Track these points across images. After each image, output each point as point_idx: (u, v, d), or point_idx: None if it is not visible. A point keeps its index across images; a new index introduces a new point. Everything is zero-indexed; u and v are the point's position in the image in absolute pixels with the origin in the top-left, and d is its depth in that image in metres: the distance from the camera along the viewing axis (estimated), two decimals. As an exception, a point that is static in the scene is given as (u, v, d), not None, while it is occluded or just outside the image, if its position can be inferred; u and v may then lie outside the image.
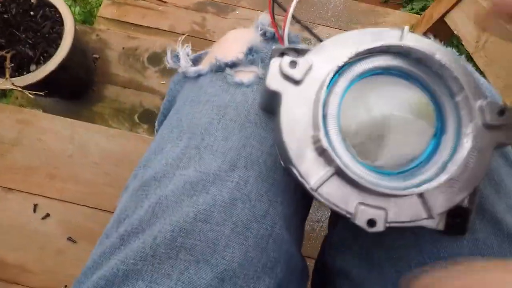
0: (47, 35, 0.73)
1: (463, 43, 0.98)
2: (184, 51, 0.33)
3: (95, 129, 0.72)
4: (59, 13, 0.73)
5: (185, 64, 0.32)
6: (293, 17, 0.30)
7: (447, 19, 1.12)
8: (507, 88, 0.75)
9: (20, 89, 0.64)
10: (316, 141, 0.20)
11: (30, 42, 0.72)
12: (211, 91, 0.28)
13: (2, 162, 0.70)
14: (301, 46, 0.23)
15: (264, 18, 0.31)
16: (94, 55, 0.95)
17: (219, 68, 0.29)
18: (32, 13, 0.73)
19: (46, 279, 0.66)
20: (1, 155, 0.70)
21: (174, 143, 0.27)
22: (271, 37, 0.31)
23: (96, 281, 0.22)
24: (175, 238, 0.22)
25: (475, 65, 0.91)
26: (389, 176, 0.21)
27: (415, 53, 0.21)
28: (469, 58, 0.96)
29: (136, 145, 0.72)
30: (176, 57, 0.33)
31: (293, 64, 0.21)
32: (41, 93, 0.66)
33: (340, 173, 0.19)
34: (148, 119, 0.92)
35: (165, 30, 1.15)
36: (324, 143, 0.19)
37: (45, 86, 0.71)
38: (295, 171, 0.20)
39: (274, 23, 0.29)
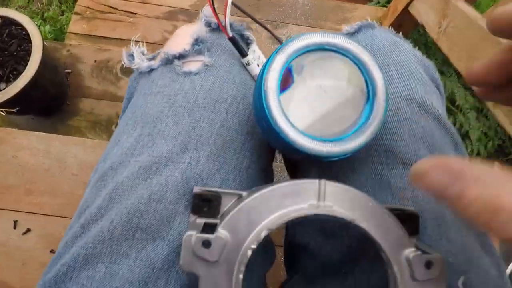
0: (15, 53, 0.73)
1: (427, 30, 1.02)
2: (138, 50, 0.34)
3: (72, 141, 0.73)
4: (26, 30, 0.74)
5: (139, 61, 0.33)
6: (234, 4, 0.32)
7: (411, 9, 1.16)
8: (468, 67, 0.79)
9: (-10, 107, 0.64)
10: None
11: (-2, 61, 0.72)
12: (161, 82, 0.30)
13: (-22, 181, 0.69)
14: (226, 189, 0.23)
15: (208, 10, 0.32)
16: (66, 70, 0.95)
17: (168, 61, 0.30)
18: (-2, 32, 0.73)
19: (30, 295, 0.66)
20: (-24, 175, 0.70)
21: (128, 133, 0.28)
22: (217, 27, 0.33)
23: (58, 268, 0.23)
24: (130, 219, 0.23)
25: (439, 50, 0.95)
26: (331, 142, 0.22)
27: (334, 219, 0.20)
28: (434, 44, 1.00)
29: (112, 153, 0.73)
30: (131, 56, 0.34)
31: (206, 243, 0.19)
32: (13, 109, 0.67)
33: None
34: (126, 128, 0.93)
35: (136, 41, 1.15)
36: None
37: (17, 103, 0.71)
38: None
39: (215, 13, 0.31)
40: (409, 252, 0.20)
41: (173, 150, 0.26)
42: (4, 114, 0.66)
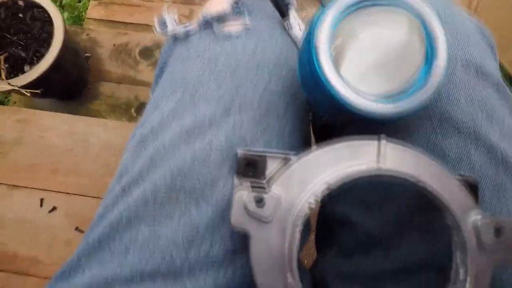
0: (37, 36, 0.74)
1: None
2: (171, 17, 0.33)
3: (94, 123, 0.74)
4: (47, 13, 0.75)
5: (172, 27, 0.31)
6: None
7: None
8: (502, 46, 0.76)
9: (17, 88, 0.66)
10: (291, 286, 0.18)
11: (22, 43, 0.73)
12: (201, 46, 0.29)
13: (5, 161, 0.72)
14: (271, 150, 0.22)
15: None
16: (86, 54, 0.96)
17: (207, 24, 0.29)
18: (21, 15, 0.74)
19: (57, 269, 0.68)
20: (4, 155, 0.72)
21: (168, 98, 0.27)
22: None
23: (101, 230, 0.24)
24: (174, 181, 0.23)
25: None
26: (386, 101, 0.20)
27: (395, 178, 0.19)
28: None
29: (133, 134, 0.74)
30: (164, 24, 0.33)
31: (259, 201, 0.18)
32: (37, 91, 0.68)
33: None
34: (144, 112, 0.94)
35: (153, 26, 1.15)
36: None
37: (40, 86, 0.72)
38: None
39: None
40: (477, 218, 0.19)
41: (216, 113, 0.25)
42: (28, 95, 0.67)
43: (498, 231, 0.18)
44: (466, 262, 0.18)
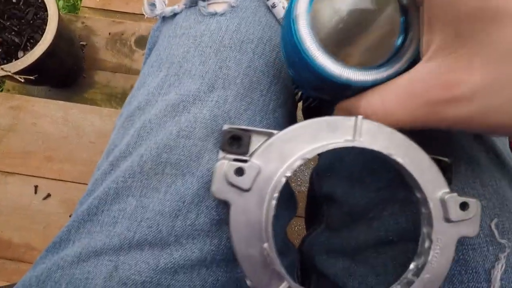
0: (31, 22, 0.74)
1: None
2: None
3: (89, 110, 0.74)
4: (42, -1, 0.74)
5: (161, 7, 0.33)
6: None
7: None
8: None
9: (11, 74, 0.65)
10: (266, 253, 0.19)
11: (15, 29, 0.73)
12: (186, 24, 0.29)
13: None
14: (255, 128, 0.22)
15: None
16: (81, 43, 0.96)
17: (193, 2, 0.30)
18: (14, 0, 0.74)
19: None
20: (-2, 142, 0.72)
21: (154, 75, 0.28)
22: None
23: (90, 202, 0.24)
24: (160, 154, 0.24)
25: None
26: (375, 69, 0.21)
27: (369, 152, 0.20)
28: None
29: (128, 121, 0.74)
30: (153, 5, 0.34)
31: (239, 171, 0.19)
32: (31, 77, 0.68)
33: None
34: (140, 101, 0.94)
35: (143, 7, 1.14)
36: (272, 254, 0.18)
37: (35, 72, 0.72)
38: (248, 283, 0.19)
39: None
40: (444, 193, 0.19)
41: (201, 89, 0.26)
42: (22, 81, 0.67)
43: (463, 205, 0.19)
44: (431, 234, 0.19)
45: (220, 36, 0.28)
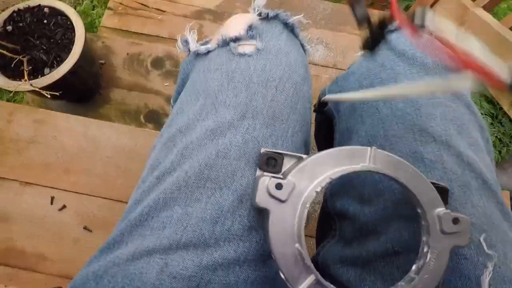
0: (59, 41, 0.78)
1: (445, 37, 1.06)
2: (193, 35, 0.39)
3: (107, 126, 0.78)
4: (70, 21, 0.79)
5: (194, 45, 0.37)
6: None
7: (429, 17, 1.19)
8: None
9: (38, 89, 0.69)
10: (298, 251, 0.22)
11: (44, 47, 0.77)
12: (219, 61, 0.34)
13: (20, 158, 0.74)
14: (288, 152, 0.27)
15: (259, 1, 0.37)
16: (100, 61, 1.01)
17: (225, 43, 0.35)
18: (45, 21, 0.79)
19: (64, 267, 0.70)
20: (18, 152, 0.75)
21: (192, 103, 0.32)
22: (265, 17, 0.37)
23: (141, 210, 0.27)
24: (202, 171, 0.27)
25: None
26: None
27: (377, 175, 0.24)
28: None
29: (145, 139, 0.77)
30: (185, 42, 0.38)
31: (279, 186, 0.23)
32: (56, 93, 0.72)
33: (319, 283, 0.22)
34: (153, 119, 0.98)
35: (164, 37, 1.21)
36: (303, 252, 0.22)
37: (57, 88, 0.76)
38: (282, 277, 0.22)
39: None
40: (440, 210, 0.24)
41: (234, 117, 0.30)
42: (48, 96, 0.71)
43: (455, 220, 0.23)
44: (429, 242, 0.23)
45: (249, 74, 0.32)
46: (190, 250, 0.25)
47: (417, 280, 0.22)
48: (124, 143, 0.78)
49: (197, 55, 0.37)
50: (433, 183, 0.26)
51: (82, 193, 0.74)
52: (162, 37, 1.21)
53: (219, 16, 1.28)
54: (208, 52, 0.36)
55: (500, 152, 1.18)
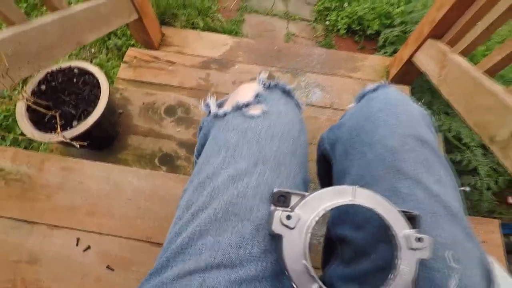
0: (86, 97, 0.89)
1: (429, 78, 1.16)
2: (213, 100, 0.48)
3: (128, 171, 0.85)
4: (97, 79, 0.90)
5: (214, 108, 0.47)
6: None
7: (414, 60, 1.32)
8: (467, 111, 0.90)
9: (69, 140, 0.78)
10: (305, 266, 0.30)
11: (73, 103, 0.87)
12: (235, 122, 0.42)
13: (49, 203, 0.81)
14: (294, 191, 0.35)
15: (263, 75, 0.47)
16: (119, 111, 1.11)
17: (238, 108, 0.44)
18: (75, 80, 0.90)
19: (88, 305, 0.74)
20: (48, 197, 0.82)
21: (216, 156, 0.40)
22: (268, 87, 0.47)
23: (181, 240, 0.34)
24: (227, 208, 0.35)
25: (441, 95, 1.08)
26: None
27: (362, 207, 0.32)
28: (436, 89, 1.13)
29: (163, 182, 0.85)
30: (207, 105, 0.48)
31: (288, 217, 0.31)
32: (84, 143, 0.80)
33: None
34: (167, 161, 1.06)
35: (175, 86, 1.33)
36: (309, 266, 0.29)
37: (83, 138, 0.85)
38: (294, 286, 0.29)
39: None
40: (407, 231, 0.31)
41: (249, 165, 0.38)
42: (78, 146, 0.79)
43: (419, 239, 0.31)
44: (400, 256, 0.31)
45: (258, 132, 0.41)
46: (221, 269, 0.32)
47: (393, 285, 0.30)
48: (143, 185, 0.85)
49: (216, 116, 0.46)
50: (406, 211, 0.33)
51: (105, 234, 0.80)
52: (173, 85, 1.32)
53: (224, 65, 1.41)
54: (226, 114, 0.45)
55: (496, 181, 1.24)
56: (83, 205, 0.82)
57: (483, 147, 1.27)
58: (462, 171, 1.27)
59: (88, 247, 0.79)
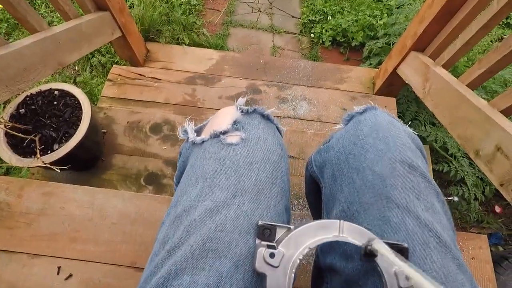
0: (67, 119, 0.87)
1: (414, 90, 1.18)
2: (191, 126, 0.47)
3: (112, 194, 0.83)
4: (78, 100, 0.88)
5: (192, 135, 0.46)
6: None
7: (398, 72, 1.33)
8: (452, 124, 0.91)
9: (48, 165, 0.76)
10: None
11: (54, 126, 0.85)
12: (212, 150, 0.41)
13: (29, 231, 0.78)
14: (279, 224, 0.34)
15: (241, 101, 0.46)
16: (103, 130, 1.09)
17: (216, 135, 0.43)
18: (55, 102, 0.87)
19: (70, 338, 0.71)
20: (28, 225, 0.79)
21: (193, 186, 0.39)
22: (246, 112, 0.46)
23: (156, 280, 0.32)
24: (204, 244, 0.33)
25: (426, 107, 1.09)
26: None
27: (348, 244, 0.32)
28: (421, 101, 1.15)
29: (148, 204, 0.83)
30: (185, 131, 0.47)
31: (272, 255, 0.30)
32: (65, 167, 0.78)
33: None
34: (153, 181, 1.04)
35: (161, 102, 1.31)
36: None
37: (65, 160, 0.83)
38: None
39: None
40: (397, 269, 0.30)
41: (227, 197, 0.37)
42: (58, 171, 0.77)
43: (408, 277, 0.29)
44: None
45: (236, 160, 0.40)
46: None
47: None
48: (128, 209, 0.83)
49: (194, 143, 0.45)
50: (395, 244, 0.32)
51: (88, 261, 0.77)
52: (159, 102, 1.31)
53: (209, 81, 1.40)
54: (203, 142, 0.44)
55: (483, 191, 1.25)
56: (65, 231, 0.79)
57: (469, 157, 1.29)
58: (450, 181, 1.28)
59: (70, 275, 0.75)
